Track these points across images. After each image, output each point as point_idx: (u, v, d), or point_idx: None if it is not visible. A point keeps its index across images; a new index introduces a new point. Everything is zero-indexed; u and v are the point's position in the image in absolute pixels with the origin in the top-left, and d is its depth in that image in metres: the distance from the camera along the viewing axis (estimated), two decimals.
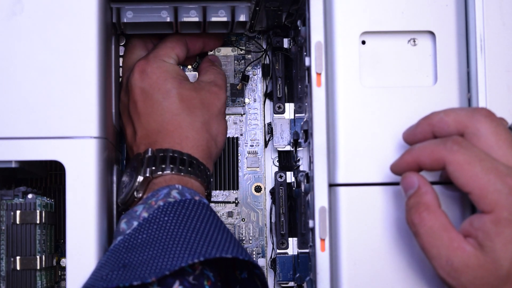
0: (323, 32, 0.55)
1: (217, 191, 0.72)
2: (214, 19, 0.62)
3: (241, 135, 0.73)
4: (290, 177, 0.69)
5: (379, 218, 0.54)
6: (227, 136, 0.72)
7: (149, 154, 0.59)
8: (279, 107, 0.70)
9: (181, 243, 0.51)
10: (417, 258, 0.53)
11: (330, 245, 0.54)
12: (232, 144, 0.72)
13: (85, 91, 0.55)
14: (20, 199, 0.57)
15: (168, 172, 0.58)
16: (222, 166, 0.72)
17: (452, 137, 0.48)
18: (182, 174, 0.58)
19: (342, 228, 0.54)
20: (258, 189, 0.72)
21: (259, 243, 0.72)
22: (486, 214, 0.46)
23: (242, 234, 0.72)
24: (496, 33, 0.55)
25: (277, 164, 0.72)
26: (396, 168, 0.51)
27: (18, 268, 0.56)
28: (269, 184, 0.73)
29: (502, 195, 0.45)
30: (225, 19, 0.62)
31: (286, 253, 0.69)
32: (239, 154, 0.72)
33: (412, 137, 0.52)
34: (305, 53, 0.59)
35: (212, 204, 0.71)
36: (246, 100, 0.73)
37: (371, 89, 0.55)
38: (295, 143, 0.67)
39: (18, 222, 0.57)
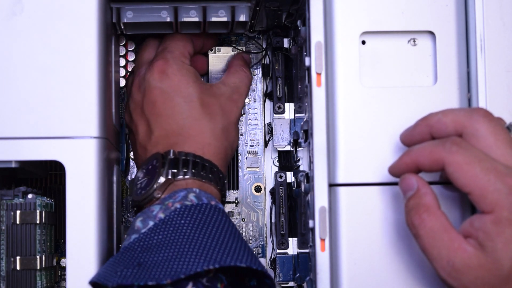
0: (323, 32, 0.55)
1: None
2: (214, 19, 0.62)
3: (241, 135, 0.73)
4: (290, 177, 0.69)
5: (379, 218, 0.54)
6: None
7: (171, 155, 0.59)
8: (279, 107, 0.70)
9: (196, 248, 0.51)
10: (417, 258, 0.53)
11: (330, 245, 0.54)
12: None
13: (85, 91, 0.55)
14: (20, 199, 0.57)
15: (189, 176, 0.58)
16: None
17: (451, 137, 0.48)
18: (203, 180, 0.58)
19: (342, 228, 0.54)
20: (258, 189, 0.72)
21: (259, 243, 0.72)
22: (486, 214, 0.46)
23: (242, 234, 0.72)
24: (496, 33, 0.55)
25: (277, 164, 0.72)
26: (395, 170, 0.51)
27: (18, 268, 0.56)
28: (269, 184, 0.73)
29: (502, 195, 0.45)
30: (225, 19, 0.62)
31: (286, 253, 0.69)
32: (239, 154, 0.72)
33: (410, 139, 0.52)
34: (305, 53, 0.59)
35: None
36: (246, 100, 0.73)
37: (371, 89, 0.55)
38: (295, 143, 0.67)
39: (18, 222, 0.57)
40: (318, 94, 0.55)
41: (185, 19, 0.62)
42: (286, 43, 0.70)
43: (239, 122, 0.73)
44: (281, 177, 0.69)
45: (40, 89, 0.55)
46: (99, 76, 0.55)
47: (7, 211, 0.57)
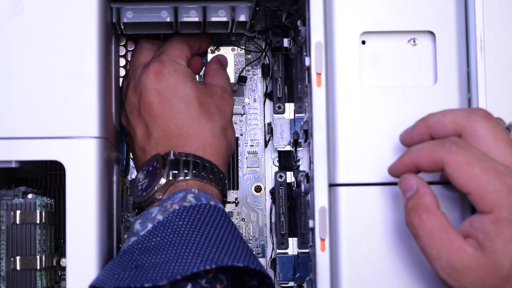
0: (323, 32, 0.55)
1: None
2: (214, 19, 0.62)
3: (241, 135, 0.73)
4: (290, 177, 0.69)
5: (379, 218, 0.54)
6: None
7: (172, 156, 0.58)
8: (279, 107, 0.70)
9: (194, 248, 0.51)
10: (417, 258, 0.53)
11: (330, 245, 0.54)
12: None
13: (85, 91, 0.55)
14: (20, 199, 0.57)
15: (190, 177, 0.58)
16: None
17: (450, 138, 0.48)
18: (204, 181, 0.58)
19: (342, 228, 0.54)
20: (258, 189, 0.72)
21: (259, 243, 0.72)
22: (486, 214, 0.46)
23: (242, 234, 0.72)
24: (496, 33, 0.55)
25: (277, 164, 0.72)
26: (394, 170, 0.51)
27: (18, 268, 0.56)
28: (269, 184, 0.73)
29: (502, 195, 0.45)
30: (225, 19, 0.62)
31: (286, 253, 0.69)
32: (239, 154, 0.72)
33: (409, 139, 0.52)
34: (305, 53, 0.59)
35: None
36: (246, 100, 0.73)
37: (371, 89, 0.55)
38: (295, 143, 0.67)
39: (18, 222, 0.57)
40: (318, 94, 0.55)
41: (185, 19, 0.62)
42: (286, 43, 0.70)
43: (240, 122, 0.73)
44: (281, 177, 0.69)
45: (40, 89, 0.55)
46: (99, 76, 0.55)
47: (7, 211, 0.57)
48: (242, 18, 0.62)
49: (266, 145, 0.73)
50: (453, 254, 0.46)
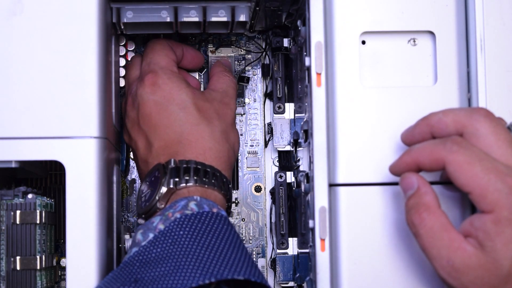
0: (323, 32, 0.55)
1: None
2: (214, 19, 0.62)
3: (241, 135, 0.73)
4: (290, 177, 0.69)
5: (379, 218, 0.54)
6: None
7: (172, 164, 0.58)
8: (279, 107, 0.70)
9: (194, 260, 0.50)
10: (417, 258, 0.53)
11: (330, 245, 0.54)
12: None
13: (85, 91, 0.55)
14: (20, 199, 0.57)
15: (192, 184, 0.57)
16: None
17: (452, 137, 0.48)
18: (206, 186, 0.58)
19: (342, 228, 0.54)
20: (258, 189, 0.72)
21: (259, 243, 0.72)
22: (487, 214, 0.46)
23: (242, 234, 0.72)
24: (496, 33, 0.55)
25: (277, 164, 0.72)
26: (395, 169, 0.51)
27: (18, 268, 0.56)
28: (269, 184, 0.73)
29: (502, 195, 0.45)
30: (225, 19, 0.62)
31: (286, 253, 0.69)
32: (239, 154, 0.72)
33: (410, 138, 0.52)
34: (305, 53, 0.59)
35: None
36: (246, 100, 0.73)
37: (371, 89, 0.55)
38: (295, 143, 0.67)
39: (18, 222, 0.57)
40: (318, 94, 0.55)
41: (185, 19, 0.62)
42: (286, 43, 0.70)
43: (240, 122, 0.73)
44: (281, 177, 0.69)
45: (40, 89, 0.54)
46: (99, 76, 0.55)
47: (7, 211, 0.57)
48: (242, 18, 0.62)
49: (266, 145, 0.73)
50: (454, 253, 0.46)
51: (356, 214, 0.54)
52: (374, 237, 0.53)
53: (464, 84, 0.56)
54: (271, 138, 0.72)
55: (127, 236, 0.63)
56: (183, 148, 0.60)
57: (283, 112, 0.71)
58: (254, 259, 0.71)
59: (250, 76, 0.73)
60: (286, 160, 0.71)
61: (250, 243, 0.72)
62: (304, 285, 0.61)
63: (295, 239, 0.69)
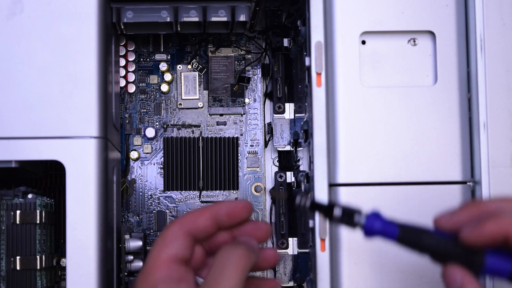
0: (323, 32, 0.55)
1: (217, 191, 0.72)
2: (214, 19, 0.62)
3: (241, 135, 0.73)
4: (290, 177, 0.69)
5: None
6: (227, 136, 0.72)
7: None
8: (279, 107, 0.70)
9: None
10: (417, 259, 0.53)
11: (330, 245, 0.54)
12: (232, 144, 0.72)
13: (85, 91, 0.55)
14: (20, 199, 0.57)
15: None
16: (222, 166, 0.72)
17: None
18: None
19: (342, 228, 0.54)
20: (258, 189, 0.72)
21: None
22: None
23: None
24: (496, 33, 0.55)
25: (277, 164, 0.72)
26: (475, 238, 0.42)
27: (18, 268, 0.56)
28: (269, 184, 0.73)
29: None
30: (225, 19, 0.62)
31: (286, 253, 0.69)
32: (239, 154, 0.72)
33: (455, 221, 0.43)
34: (305, 53, 0.59)
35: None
36: (246, 100, 0.73)
37: (371, 89, 0.55)
38: (295, 143, 0.67)
39: (18, 222, 0.57)
40: (318, 94, 0.55)
41: (185, 19, 0.62)
42: (286, 43, 0.70)
43: (240, 122, 0.73)
44: (281, 177, 0.69)
45: (40, 89, 0.55)
46: (99, 76, 0.55)
47: (7, 211, 0.57)
48: (242, 18, 0.62)
49: (266, 145, 0.73)
50: None
51: None
52: None
53: (464, 84, 0.56)
54: (271, 138, 0.72)
55: (127, 236, 0.63)
56: None
57: (283, 112, 0.71)
58: None
59: (250, 76, 0.73)
60: (286, 160, 0.71)
61: None
62: (304, 285, 0.61)
63: (295, 239, 0.69)
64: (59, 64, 0.55)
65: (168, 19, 0.62)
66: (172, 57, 0.73)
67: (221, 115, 0.73)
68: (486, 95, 0.55)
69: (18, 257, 0.56)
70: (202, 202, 0.72)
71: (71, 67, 0.55)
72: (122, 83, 0.72)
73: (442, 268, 0.43)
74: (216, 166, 0.71)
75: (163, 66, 0.73)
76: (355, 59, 0.55)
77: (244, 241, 0.45)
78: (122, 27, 0.63)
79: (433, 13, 0.55)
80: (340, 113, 0.55)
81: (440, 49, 0.55)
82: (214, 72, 0.73)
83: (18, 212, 0.57)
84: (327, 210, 0.44)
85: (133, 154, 0.72)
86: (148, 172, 0.73)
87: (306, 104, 0.59)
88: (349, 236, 0.54)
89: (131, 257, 0.63)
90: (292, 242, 0.69)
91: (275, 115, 0.71)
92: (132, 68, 0.72)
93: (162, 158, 0.72)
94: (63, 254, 0.66)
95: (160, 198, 0.72)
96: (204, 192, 0.72)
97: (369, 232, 0.43)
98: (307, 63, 0.56)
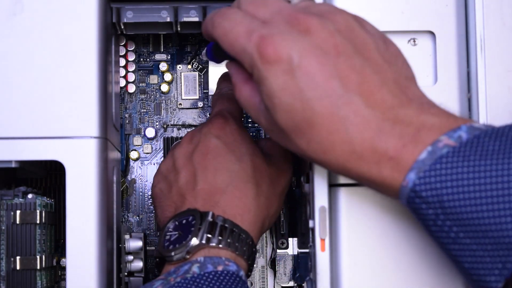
0: None
1: None
2: None
3: None
4: None
5: (379, 218, 0.54)
6: None
7: (210, 218, 0.54)
8: None
9: None
10: (418, 259, 0.53)
11: (330, 245, 0.54)
12: None
13: (85, 91, 0.55)
14: (20, 199, 0.57)
15: (222, 245, 0.54)
16: None
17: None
18: (236, 252, 0.54)
19: (342, 228, 0.54)
20: None
21: (259, 243, 0.72)
22: None
23: None
24: (496, 33, 0.55)
25: None
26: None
27: (18, 268, 0.56)
28: None
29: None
30: None
31: (286, 253, 0.69)
32: None
33: None
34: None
35: None
36: None
37: None
38: None
39: (18, 222, 0.57)
40: None
41: (185, 19, 0.62)
42: None
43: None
44: None
45: (40, 89, 0.55)
46: (99, 76, 0.55)
47: (7, 211, 0.57)
48: None
49: None
50: None
51: (356, 214, 0.54)
52: (374, 237, 0.53)
53: (464, 84, 0.56)
54: None
55: (127, 236, 0.63)
56: (224, 201, 0.57)
57: None
58: None
59: None
60: None
61: None
62: (304, 285, 0.61)
63: (295, 239, 0.69)
64: (59, 64, 0.55)
65: (168, 19, 0.62)
66: (172, 57, 0.73)
67: None
68: (486, 95, 0.55)
69: (18, 257, 0.56)
70: None
71: (71, 67, 0.55)
72: (122, 83, 0.72)
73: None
74: None
75: (163, 66, 0.73)
76: None
77: None
78: (122, 27, 0.64)
79: (433, 13, 0.55)
80: None
81: (440, 49, 0.55)
82: (213, 73, 0.73)
83: (18, 212, 0.57)
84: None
85: (133, 154, 0.72)
86: (148, 172, 0.73)
87: None
88: (349, 236, 0.54)
89: (131, 257, 0.63)
90: (292, 242, 0.69)
91: None
92: (132, 68, 0.72)
93: (162, 158, 0.72)
94: (63, 254, 0.66)
95: None
96: None
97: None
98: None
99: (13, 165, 0.54)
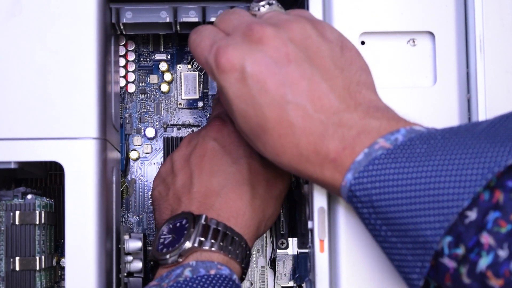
0: None
1: None
2: (213, 19, 0.62)
3: None
4: None
5: None
6: None
7: (203, 221, 0.55)
8: None
9: None
10: None
11: (329, 246, 0.54)
12: None
13: (84, 91, 0.55)
14: (20, 200, 0.57)
15: (215, 249, 0.54)
16: None
17: None
18: (229, 256, 0.55)
19: (341, 229, 0.54)
20: None
21: (259, 242, 0.72)
22: None
23: None
24: (496, 33, 0.55)
25: None
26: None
27: (17, 268, 0.56)
28: None
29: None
30: None
31: (286, 253, 0.69)
32: None
33: None
34: None
35: None
36: None
37: None
38: None
39: (17, 223, 0.57)
40: None
41: (185, 19, 0.62)
42: None
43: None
44: None
45: (39, 89, 0.55)
46: (98, 76, 0.55)
47: (7, 212, 0.57)
48: None
49: None
50: None
51: (355, 215, 0.54)
52: (372, 239, 0.53)
53: (463, 85, 0.55)
54: None
55: (126, 237, 0.63)
56: (219, 204, 0.57)
57: None
58: (254, 258, 0.71)
59: None
60: None
61: None
62: (304, 285, 0.61)
63: (295, 239, 0.69)
64: (58, 65, 0.55)
65: (168, 20, 0.62)
66: (172, 57, 0.73)
67: None
68: (486, 95, 0.55)
69: (17, 258, 0.57)
70: None
71: (70, 68, 0.55)
72: (122, 83, 0.72)
73: None
74: None
75: (163, 66, 0.73)
76: None
77: None
78: (122, 27, 0.63)
79: (432, 13, 0.55)
80: None
81: (440, 50, 0.55)
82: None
83: (17, 212, 0.57)
84: None
85: (133, 154, 0.72)
86: (148, 172, 0.73)
87: None
88: (348, 237, 0.54)
89: (130, 258, 0.63)
90: (292, 242, 0.69)
91: None
92: (132, 68, 0.72)
93: (162, 158, 0.72)
94: (63, 254, 0.66)
95: None
96: None
97: None
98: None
99: (12, 166, 0.54)
